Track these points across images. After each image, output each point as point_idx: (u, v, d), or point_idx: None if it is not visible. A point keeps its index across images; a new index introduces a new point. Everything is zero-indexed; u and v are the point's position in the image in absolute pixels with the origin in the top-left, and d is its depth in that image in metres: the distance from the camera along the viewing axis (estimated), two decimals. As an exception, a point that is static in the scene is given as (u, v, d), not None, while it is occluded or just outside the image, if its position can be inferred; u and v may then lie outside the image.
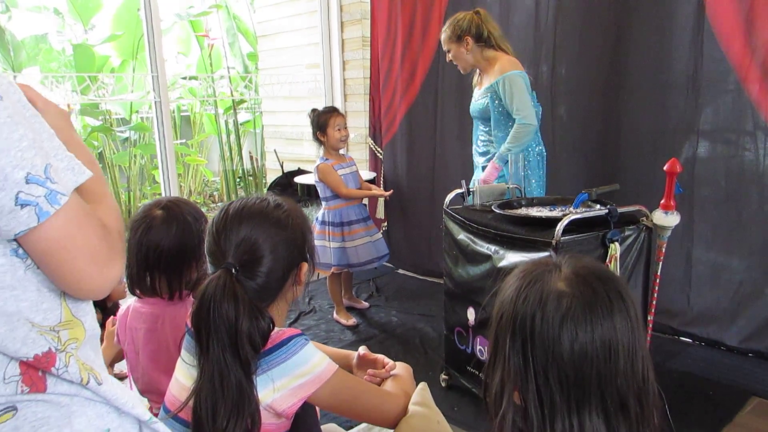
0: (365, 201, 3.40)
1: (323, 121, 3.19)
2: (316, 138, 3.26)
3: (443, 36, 2.76)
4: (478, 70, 2.82)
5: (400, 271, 4.27)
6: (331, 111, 3.23)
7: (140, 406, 0.83)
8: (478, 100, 2.75)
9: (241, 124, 6.84)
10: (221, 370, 1.02)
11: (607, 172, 3.00)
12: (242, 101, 6.88)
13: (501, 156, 2.63)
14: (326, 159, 3.25)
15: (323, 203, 3.33)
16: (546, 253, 1.85)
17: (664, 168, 1.92)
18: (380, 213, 4.26)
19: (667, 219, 1.95)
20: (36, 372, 0.73)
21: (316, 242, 3.32)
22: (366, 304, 3.55)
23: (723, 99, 2.67)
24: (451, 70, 3.71)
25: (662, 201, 1.95)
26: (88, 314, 0.82)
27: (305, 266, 1.16)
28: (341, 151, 3.33)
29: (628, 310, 0.82)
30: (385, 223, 4.26)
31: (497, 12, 3.41)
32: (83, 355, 0.78)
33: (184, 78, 7.02)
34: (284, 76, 5.06)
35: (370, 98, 4.26)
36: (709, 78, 2.68)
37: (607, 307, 0.81)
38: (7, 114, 0.68)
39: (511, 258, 2.00)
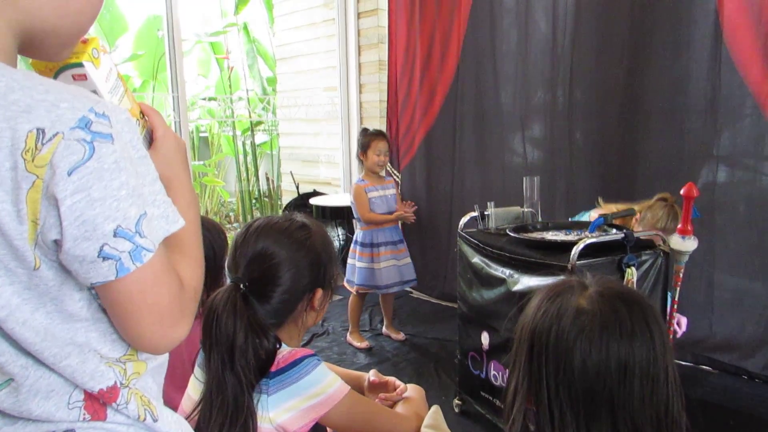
0: (399, 224, 3.43)
1: (366, 142, 3.29)
2: (358, 157, 3.37)
3: None
4: None
5: (414, 294, 4.26)
6: (377, 135, 3.32)
7: None
8: None
9: (258, 146, 6.90)
10: (219, 383, 1.04)
11: (624, 197, 2.98)
12: (260, 123, 6.96)
13: None
14: (362, 180, 3.34)
15: (356, 223, 3.41)
16: (561, 276, 1.85)
17: (681, 192, 1.92)
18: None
19: (684, 244, 1.94)
20: (98, 401, 0.74)
21: (349, 260, 3.39)
22: (402, 336, 3.48)
23: (741, 123, 2.67)
24: (471, 94, 3.75)
25: (679, 226, 1.95)
26: None
27: (320, 293, 1.16)
28: (383, 173, 3.41)
29: (653, 337, 0.82)
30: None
31: (515, 37, 3.45)
32: (143, 386, 0.79)
33: (204, 99, 7.13)
34: (302, 98, 5.13)
35: (387, 122, 4.31)
36: (727, 102, 2.68)
37: (626, 329, 0.81)
38: (114, 159, 0.66)
39: (525, 282, 2.00)
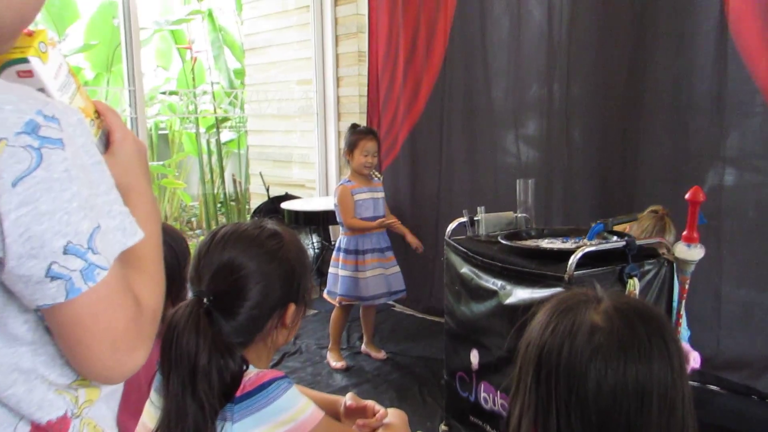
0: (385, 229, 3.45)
1: (353, 141, 3.30)
2: (344, 155, 3.38)
3: None
4: None
5: (397, 308, 4.26)
6: (365, 133, 3.32)
7: None
8: None
9: (223, 144, 6.87)
10: (178, 409, 1.02)
11: (625, 201, 3.02)
12: (226, 119, 6.93)
13: None
14: (348, 181, 3.33)
15: (340, 228, 3.41)
16: (558, 288, 1.85)
17: (686, 197, 1.94)
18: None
19: (690, 252, 1.96)
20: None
21: (330, 269, 3.38)
22: (383, 355, 3.47)
23: (750, 122, 2.71)
24: (459, 89, 3.77)
25: (684, 233, 1.97)
26: None
27: (292, 308, 1.15)
28: (375, 176, 3.43)
29: (671, 357, 0.82)
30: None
31: (507, 26, 3.48)
32: (96, 415, 0.78)
33: (164, 93, 7.08)
34: (273, 92, 5.11)
35: (368, 118, 4.31)
36: (734, 100, 2.72)
37: (645, 349, 0.81)
38: (64, 168, 0.65)
39: (519, 294, 2.01)
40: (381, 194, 3.42)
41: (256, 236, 1.13)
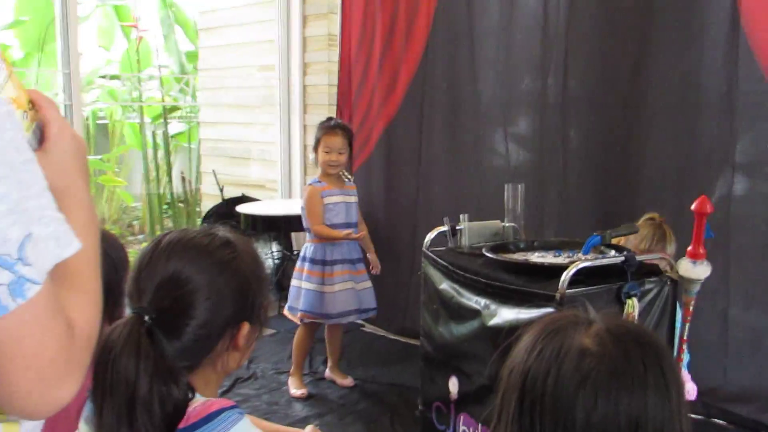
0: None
1: (317, 137, 3.30)
2: (313, 153, 3.38)
3: None
4: None
5: (368, 328, 4.25)
6: (329, 128, 3.30)
7: None
8: None
9: (172, 137, 6.83)
10: None
11: (625, 211, 3.05)
12: (175, 108, 6.89)
13: None
14: (318, 181, 3.32)
15: (306, 234, 3.38)
16: (548, 309, 1.86)
17: (692, 207, 1.97)
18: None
19: (695, 270, 1.99)
20: None
21: (293, 281, 3.36)
22: (351, 382, 3.45)
23: (763, 126, 2.77)
24: (442, 80, 3.78)
25: (690, 248, 2.00)
26: None
27: (245, 327, 1.15)
28: (345, 177, 3.43)
29: (669, 388, 0.83)
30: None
31: (497, 11, 3.50)
32: None
33: (104, 77, 7.01)
34: (230, 79, 5.08)
35: (338, 110, 4.31)
36: (747, 99, 2.77)
37: (639, 378, 0.82)
38: None
39: (504, 315, 2.01)
40: (354, 198, 3.41)
41: (205, 245, 1.13)
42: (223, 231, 1.18)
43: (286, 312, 3.42)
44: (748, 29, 2.74)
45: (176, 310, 1.08)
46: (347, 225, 3.31)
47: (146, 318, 1.06)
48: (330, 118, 3.44)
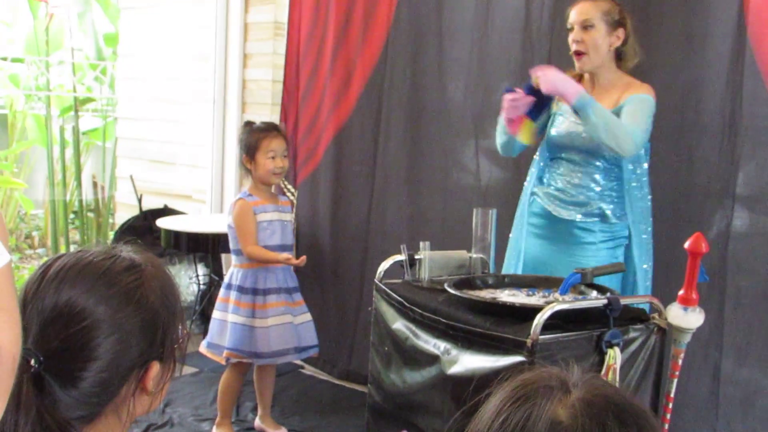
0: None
1: (253, 143, 3.23)
2: (242, 164, 3.31)
3: (594, 5, 2.67)
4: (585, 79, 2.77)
5: (307, 370, 4.23)
6: (268, 130, 3.27)
7: None
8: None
9: (83, 133, 6.77)
10: None
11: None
12: (89, 100, 6.84)
13: (585, 102, 2.48)
14: (249, 195, 3.27)
15: (233, 257, 3.33)
16: (517, 357, 1.86)
17: (686, 246, 2.00)
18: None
19: (686, 318, 2.01)
20: None
21: (215, 313, 3.31)
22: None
23: (767, 154, 2.83)
24: (404, 81, 3.79)
25: (681, 292, 2.02)
26: None
27: (155, 368, 1.13)
28: (288, 190, 3.41)
29: None
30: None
31: (471, 6, 3.52)
32: None
33: (4, 59, 6.94)
34: (156, 68, 5.04)
35: (282, 111, 4.29)
36: (751, 123, 2.83)
37: None
38: None
39: (467, 362, 2.01)
40: (290, 216, 3.39)
41: (105, 270, 1.10)
42: (126, 251, 1.16)
43: (203, 350, 3.33)
44: (755, 39, 2.79)
45: (70, 351, 1.05)
46: (283, 247, 3.28)
47: (32, 362, 1.02)
48: (250, 122, 3.37)
